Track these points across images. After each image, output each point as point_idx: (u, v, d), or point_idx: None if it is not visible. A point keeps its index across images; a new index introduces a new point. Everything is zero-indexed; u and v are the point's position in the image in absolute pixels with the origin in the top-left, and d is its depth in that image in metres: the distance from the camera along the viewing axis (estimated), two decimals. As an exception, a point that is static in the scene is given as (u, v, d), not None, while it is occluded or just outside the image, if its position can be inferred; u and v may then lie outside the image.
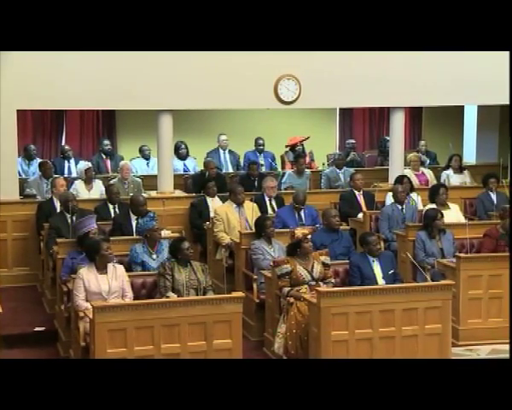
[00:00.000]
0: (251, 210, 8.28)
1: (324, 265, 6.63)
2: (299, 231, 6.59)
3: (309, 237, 6.61)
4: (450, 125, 12.84)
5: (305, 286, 6.45)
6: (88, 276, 6.17)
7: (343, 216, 8.59)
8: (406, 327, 6.01)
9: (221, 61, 9.07)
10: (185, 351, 5.66)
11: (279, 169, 11.08)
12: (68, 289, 6.56)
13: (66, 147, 11.00)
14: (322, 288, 6.16)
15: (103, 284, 6.16)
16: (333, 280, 6.65)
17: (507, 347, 6.81)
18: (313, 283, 6.46)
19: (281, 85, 9.44)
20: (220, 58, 8.85)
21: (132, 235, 7.65)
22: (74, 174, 10.20)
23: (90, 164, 9.75)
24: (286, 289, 6.44)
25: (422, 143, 11.88)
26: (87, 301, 6.06)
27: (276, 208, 8.78)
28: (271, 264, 6.78)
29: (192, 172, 10.56)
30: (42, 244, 8.29)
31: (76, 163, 10.47)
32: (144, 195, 8.90)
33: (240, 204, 8.31)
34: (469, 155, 11.98)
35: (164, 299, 6.07)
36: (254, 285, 7.16)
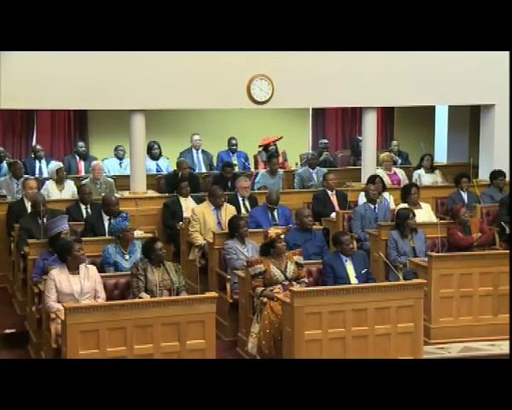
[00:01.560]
0: (230, 214, 8.25)
1: (298, 265, 6.65)
2: (273, 231, 6.61)
3: (282, 236, 6.61)
4: (421, 126, 12.95)
5: (279, 286, 6.46)
6: (59, 277, 6.11)
7: (316, 216, 8.62)
8: (379, 326, 6.04)
9: (194, 61, 9.05)
10: (158, 352, 5.63)
11: (252, 169, 11.08)
12: (40, 291, 6.50)
13: (38, 147, 10.90)
14: (296, 287, 6.18)
15: (75, 285, 6.11)
16: (306, 280, 6.67)
17: (477, 344, 6.91)
18: (286, 282, 6.47)
19: (254, 85, 9.44)
20: (193, 58, 8.83)
21: (105, 235, 7.60)
22: (45, 174, 10.11)
23: (61, 164, 9.67)
24: (259, 289, 6.45)
25: (395, 143, 11.98)
26: (59, 302, 6.00)
27: (249, 208, 8.78)
28: (245, 264, 6.78)
29: (165, 173, 10.51)
30: (12, 245, 8.20)
31: (47, 163, 10.38)
32: (117, 195, 8.85)
33: (219, 207, 8.29)
34: (440, 155, 12.09)
35: (137, 300, 6.04)
36: (228, 285, 7.16)
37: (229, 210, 8.20)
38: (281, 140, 11.40)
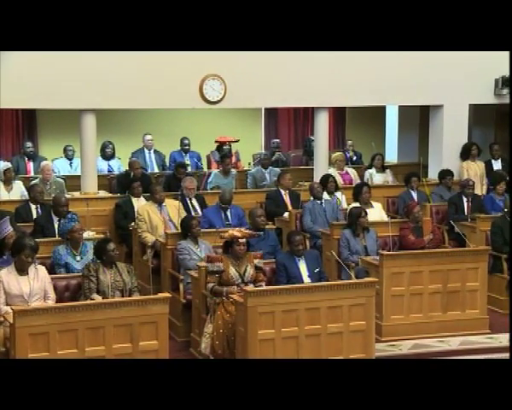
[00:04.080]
0: (175, 209, 8.24)
1: (256, 268, 6.58)
2: (229, 233, 6.52)
3: (242, 240, 6.48)
4: (372, 126, 13.11)
5: (234, 287, 6.41)
6: (8, 278, 5.99)
7: (269, 215, 8.65)
8: (331, 324, 6.09)
9: (146, 61, 8.99)
10: (110, 353, 5.57)
11: (205, 169, 11.06)
12: (-13, 294, 6.35)
13: (-15, 147, 10.69)
14: (249, 287, 6.17)
15: (24, 286, 6.00)
16: (263, 284, 6.54)
17: (427, 341, 7.02)
18: (242, 285, 6.41)
19: (206, 85, 9.42)
20: (145, 57, 8.77)
21: (55, 236, 7.49)
22: (-8, 175, 9.90)
23: (9, 165, 9.49)
24: (210, 285, 6.40)
25: (350, 142, 12.11)
26: (7, 304, 5.89)
27: (197, 207, 8.77)
28: (206, 256, 6.72)
29: (117, 173, 10.42)
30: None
31: (-5, 164, 10.17)
32: (67, 195, 8.73)
33: (159, 203, 8.25)
34: (391, 155, 12.26)
35: (88, 301, 5.97)
36: (181, 286, 7.13)
37: (173, 204, 8.23)
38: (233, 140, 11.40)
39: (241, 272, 6.45)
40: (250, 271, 6.48)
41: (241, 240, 6.43)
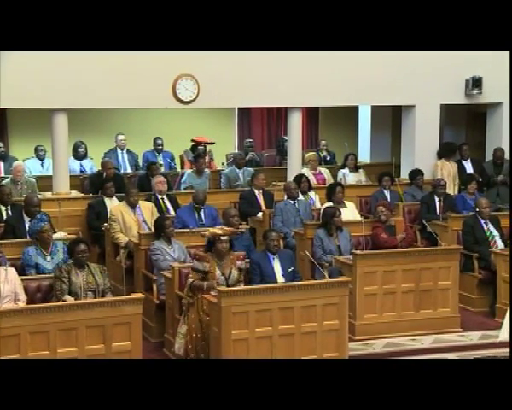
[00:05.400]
0: (149, 210, 8.20)
1: (240, 270, 6.54)
2: (210, 231, 6.49)
3: (224, 237, 6.44)
4: (345, 126, 13.17)
5: (214, 281, 6.37)
6: (-22, 281, 5.92)
7: (243, 215, 8.65)
8: (305, 324, 6.11)
9: (119, 60, 8.92)
10: (83, 355, 5.54)
11: (178, 169, 11.02)
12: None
13: (-46, 147, 10.53)
14: (223, 287, 6.15)
15: (-5, 289, 5.93)
16: (242, 285, 6.49)
17: (400, 340, 7.07)
18: (214, 282, 6.36)
19: (179, 85, 9.39)
20: (118, 57, 8.70)
21: (26, 237, 7.41)
22: (-38, 176, 9.78)
23: (-21, 165, 9.37)
24: (189, 281, 6.35)
25: (323, 142, 12.15)
26: (-22, 307, 5.81)
27: (169, 207, 8.73)
28: (194, 254, 6.67)
29: (89, 173, 10.34)
30: None
31: (-36, 164, 10.05)
32: (39, 196, 8.64)
33: (133, 206, 8.21)
34: (364, 155, 12.33)
35: (60, 302, 5.91)
36: (154, 286, 7.09)
37: (147, 206, 8.19)
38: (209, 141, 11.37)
39: (226, 275, 6.40)
40: (235, 274, 6.44)
41: (223, 237, 6.40)
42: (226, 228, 6.67)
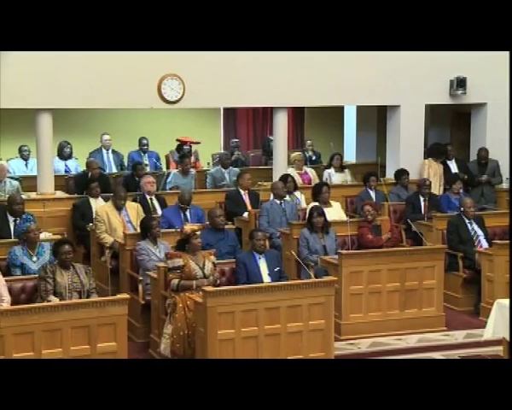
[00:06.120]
0: (134, 211, 8.17)
1: (213, 264, 6.62)
2: (189, 227, 6.57)
3: (198, 233, 6.58)
4: (331, 125, 13.20)
5: (203, 280, 6.40)
6: (-38, 282, 5.88)
7: (229, 215, 8.65)
8: (291, 324, 6.11)
9: (103, 60, 8.89)
10: (68, 356, 5.50)
11: (164, 169, 10.99)
12: None
13: None
14: (209, 287, 6.15)
15: (-21, 290, 5.90)
16: (218, 281, 6.59)
17: (386, 339, 7.10)
18: (204, 280, 6.41)
19: (164, 85, 9.36)
20: (102, 57, 8.68)
21: (10, 237, 7.37)
22: None
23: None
24: (175, 281, 6.37)
25: (309, 142, 12.17)
26: (-39, 308, 5.77)
27: (157, 207, 8.72)
28: (164, 255, 6.71)
29: (74, 173, 10.29)
30: None
31: None
32: (23, 196, 8.59)
33: (119, 207, 8.18)
34: (349, 154, 12.36)
35: (45, 303, 5.88)
36: (140, 286, 7.07)
37: (133, 207, 8.18)
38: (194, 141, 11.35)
39: (201, 266, 6.47)
40: (209, 265, 6.53)
41: (197, 233, 6.51)
42: (197, 224, 6.82)
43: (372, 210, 8.17)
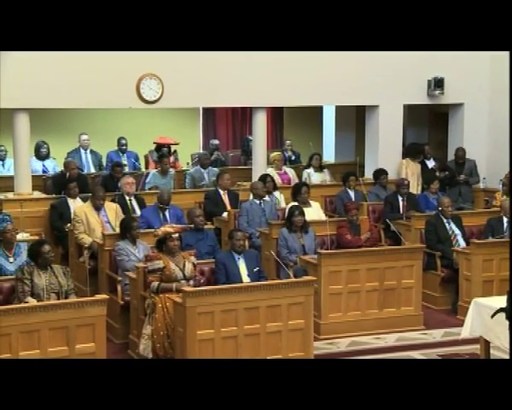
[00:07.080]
0: (113, 211, 8.13)
1: (193, 265, 6.59)
2: (162, 230, 6.53)
3: (175, 235, 6.52)
4: (310, 125, 13.23)
5: (183, 281, 6.38)
6: None
7: (208, 215, 8.63)
8: (270, 324, 6.11)
9: (81, 59, 8.82)
10: (46, 357, 5.45)
11: (143, 169, 10.95)
12: None
13: None
14: (188, 288, 6.14)
15: (-45, 292, 5.83)
16: (198, 277, 6.61)
17: (365, 338, 7.13)
18: (184, 281, 6.40)
19: (143, 85, 9.33)
20: (80, 55, 8.58)
21: (-13, 239, 7.28)
22: None
23: None
24: (155, 284, 6.35)
25: (288, 142, 12.18)
26: None
27: (136, 208, 8.68)
28: (144, 256, 6.67)
29: (52, 173, 10.22)
30: None
31: None
32: (0, 196, 8.51)
33: (98, 208, 8.14)
34: (328, 154, 12.40)
35: (22, 304, 5.83)
36: (119, 287, 7.04)
37: (111, 207, 8.14)
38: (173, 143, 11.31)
39: (181, 267, 6.44)
40: (189, 266, 6.50)
41: (174, 235, 6.46)
42: (176, 226, 6.73)
43: (358, 212, 8.22)
